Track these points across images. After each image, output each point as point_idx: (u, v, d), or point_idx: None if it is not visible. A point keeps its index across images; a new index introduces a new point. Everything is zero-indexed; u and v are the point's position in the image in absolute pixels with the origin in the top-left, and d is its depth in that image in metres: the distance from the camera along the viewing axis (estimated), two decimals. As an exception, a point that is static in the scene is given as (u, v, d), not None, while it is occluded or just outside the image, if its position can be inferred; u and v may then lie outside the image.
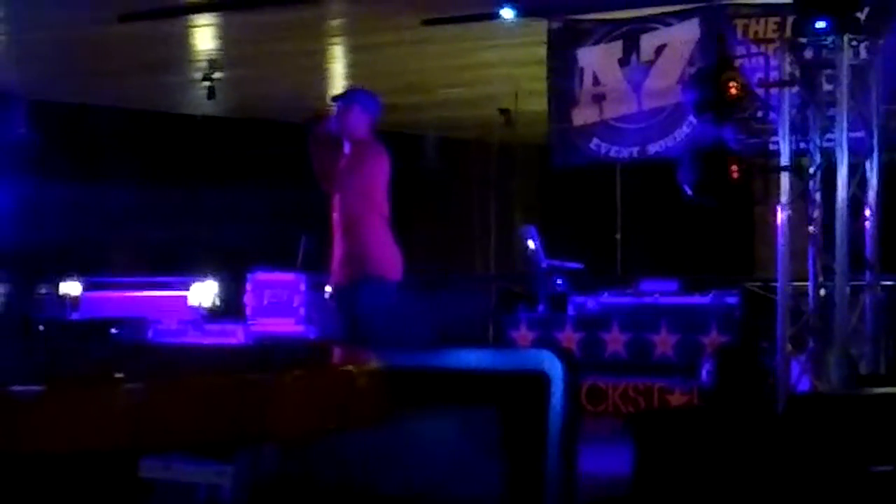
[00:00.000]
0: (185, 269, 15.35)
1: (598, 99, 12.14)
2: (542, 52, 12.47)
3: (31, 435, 2.15)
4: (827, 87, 9.96)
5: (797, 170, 10.01)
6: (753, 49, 11.11)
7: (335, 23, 13.59)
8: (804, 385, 9.76)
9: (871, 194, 9.80)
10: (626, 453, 6.60)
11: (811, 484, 5.86)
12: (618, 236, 15.00)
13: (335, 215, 8.16)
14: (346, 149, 8.13)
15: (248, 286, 14.27)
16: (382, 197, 8.06)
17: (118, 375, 2.31)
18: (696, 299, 11.45)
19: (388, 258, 8.07)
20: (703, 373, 9.96)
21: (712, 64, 10.74)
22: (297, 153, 19.21)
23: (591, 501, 5.99)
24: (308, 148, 8.20)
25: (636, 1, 11.94)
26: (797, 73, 10.01)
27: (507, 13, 12.15)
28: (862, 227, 9.79)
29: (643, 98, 11.88)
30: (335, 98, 8.35)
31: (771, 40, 10.96)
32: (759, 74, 10.80)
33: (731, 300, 11.24)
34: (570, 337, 11.60)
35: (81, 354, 3.50)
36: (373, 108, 8.21)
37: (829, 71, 9.91)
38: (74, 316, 14.06)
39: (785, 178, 10.03)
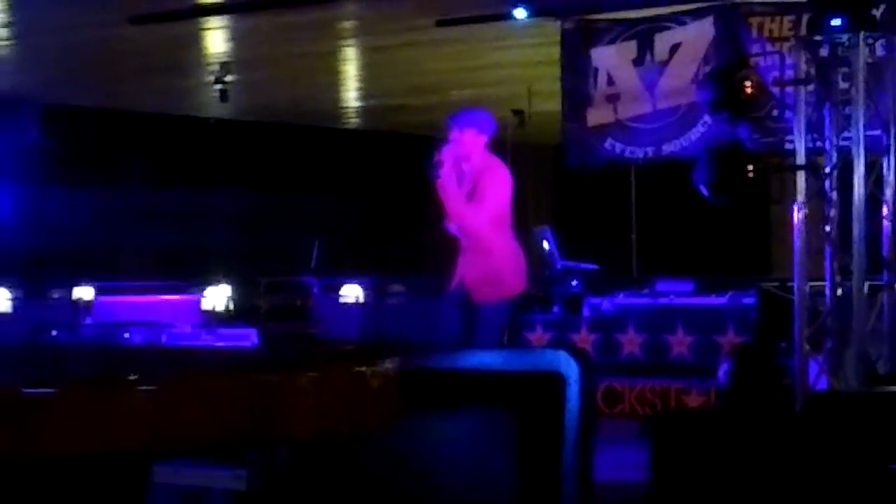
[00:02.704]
0: (199, 272, 15.36)
1: (613, 99, 12.10)
2: (556, 52, 12.44)
3: (44, 437, 2.13)
4: (843, 85, 9.91)
5: (813, 169, 9.96)
6: (768, 47, 11.06)
7: (348, 24, 13.58)
8: (822, 385, 9.71)
9: (889, 193, 9.74)
10: (642, 455, 6.57)
11: (830, 483, 5.82)
12: (633, 237, 14.96)
13: (460, 235, 8.36)
14: (467, 169, 8.32)
15: (262, 290, 14.28)
16: (508, 214, 8.35)
17: (131, 377, 2.27)
18: (713, 300, 11.41)
19: (518, 274, 8.42)
20: (720, 374, 9.91)
21: (727, 63, 10.70)
22: (310, 156, 19.23)
23: (608, 503, 5.95)
24: (435, 191, 8.31)
25: (650, 0, 11.90)
26: (813, 71, 9.96)
27: (520, 13, 12.12)
28: (879, 226, 9.74)
29: (658, 98, 11.84)
30: (451, 118, 8.41)
31: (786, 38, 10.91)
32: (775, 73, 10.74)
33: (748, 300, 11.20)
34: (585, 338, 11.57)
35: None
36: (488, 128, 8.42)
37: (844, 69, 9.86)
38: (87, 320, 14.07)
39: (801, 177, 9.97)
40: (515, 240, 8.49)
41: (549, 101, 13.13)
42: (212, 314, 14.66)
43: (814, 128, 9.94)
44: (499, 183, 8.35)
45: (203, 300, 14.74)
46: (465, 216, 8.21)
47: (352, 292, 15.23)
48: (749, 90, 10.24)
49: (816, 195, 9.94)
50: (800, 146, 9.98)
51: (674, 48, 11.83)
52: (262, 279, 15.42)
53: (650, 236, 15.48)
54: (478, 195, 8.24)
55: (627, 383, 11.21)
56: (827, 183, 9.89)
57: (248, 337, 13.54)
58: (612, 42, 12.14)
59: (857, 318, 9.59)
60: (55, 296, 14.31)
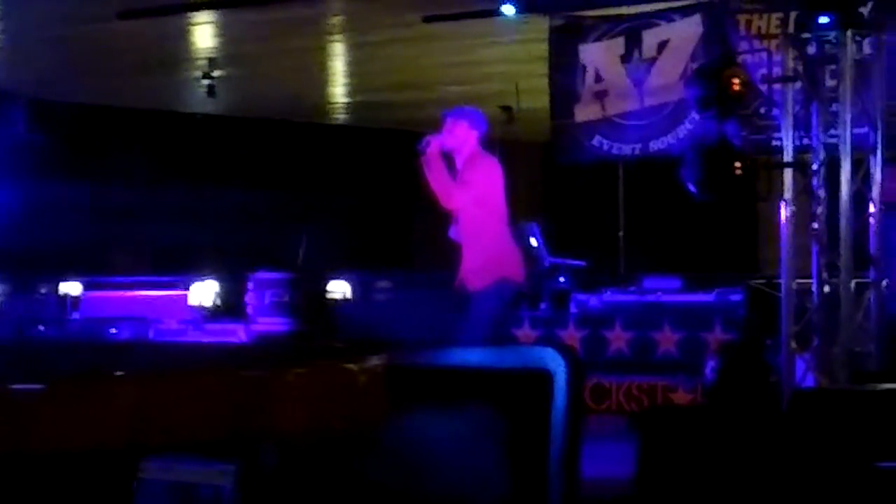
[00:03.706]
0: (186, 268, 15.32)
1: (601, 96, 12.11)
2: (544, 48, 12.44)
3: (31, 433, 2.12)
4: (830, 82, 9.94)
5: (800, 166, 9.98)
6: (756, 45, 11.07)
7: (335, 20, 13.56)
8: (809, 382, 9.73)
9: (875, 190, 9.77)
10: (629, 452, 6.57)
11: (816, 480, 5.83)
12: (621, 234, 14.95)
13: (456, 228, 8.53)
14: (459, 163, 8.49)
15: (250, 286, 14.23)
16: (500, 204, 8.48)
17: (118, 373, 2.27)
18: (700, 297, 11.41)
19: (512, 263, 8.53)
20: (707, 371, 9.93)
21: (715, 60, 10.70)
22: (297, 152, 19.18)
23: (594, 499, 5.95)
24: (422, 172, 8.47)
25: (638, -3, 11.91)
26: (800, 68, 9.98)
27: (508, 10, 12.11)
28: (866, 224, 9.76)
29: (645, 95, 11.85)
30: (445, 114, 8.62)
31: (774, 36, 10.92)
32: (762, 70, 10.75)
33: (735, 297, 11.21)
34: (572, 335, 11.57)
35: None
36: (480, 125, 8.59)
37: (832, 66, 9.89)
38: (75, 316, 14.04)
39: (788, 175, 10.00)
40: (510, 234, 8.61)
41: (537, 98, 13.13)
42: (199, 310, 14.63)
43: (801, 125, 9.96)
44: (486, 170, 8.49)
45: (190, 296, 14.70)
46: (451, 195, 8.33)
47: (339, 288, 15.19)
48: (737, 87, 10.23)
49: (803, 192, 9.96)
50: (787, 143, 10.00)
51: (661, 45, 11.84)
52: (249, 275, 15.39)
53: (638, 233, 15.48)
54: (465, 179, 8.39)
55: (615, 380, 11.20)
56: (814, 180, 9.91)
57: (236, 333, 13.52)
58: (599, 39, 12.15)
59: (843, 316, 9.60)
60: (42, 291, 14.28)
